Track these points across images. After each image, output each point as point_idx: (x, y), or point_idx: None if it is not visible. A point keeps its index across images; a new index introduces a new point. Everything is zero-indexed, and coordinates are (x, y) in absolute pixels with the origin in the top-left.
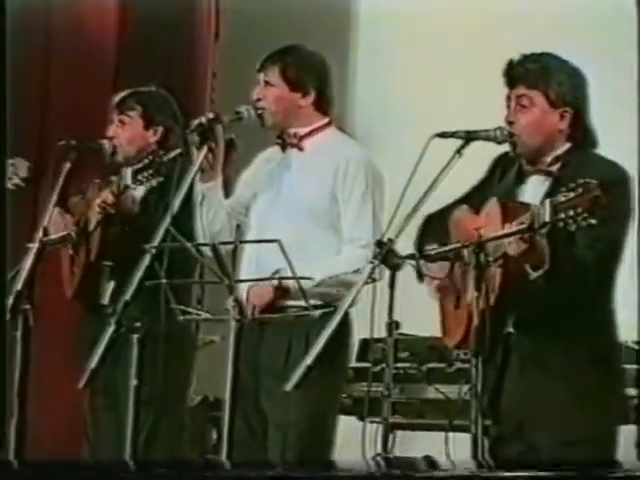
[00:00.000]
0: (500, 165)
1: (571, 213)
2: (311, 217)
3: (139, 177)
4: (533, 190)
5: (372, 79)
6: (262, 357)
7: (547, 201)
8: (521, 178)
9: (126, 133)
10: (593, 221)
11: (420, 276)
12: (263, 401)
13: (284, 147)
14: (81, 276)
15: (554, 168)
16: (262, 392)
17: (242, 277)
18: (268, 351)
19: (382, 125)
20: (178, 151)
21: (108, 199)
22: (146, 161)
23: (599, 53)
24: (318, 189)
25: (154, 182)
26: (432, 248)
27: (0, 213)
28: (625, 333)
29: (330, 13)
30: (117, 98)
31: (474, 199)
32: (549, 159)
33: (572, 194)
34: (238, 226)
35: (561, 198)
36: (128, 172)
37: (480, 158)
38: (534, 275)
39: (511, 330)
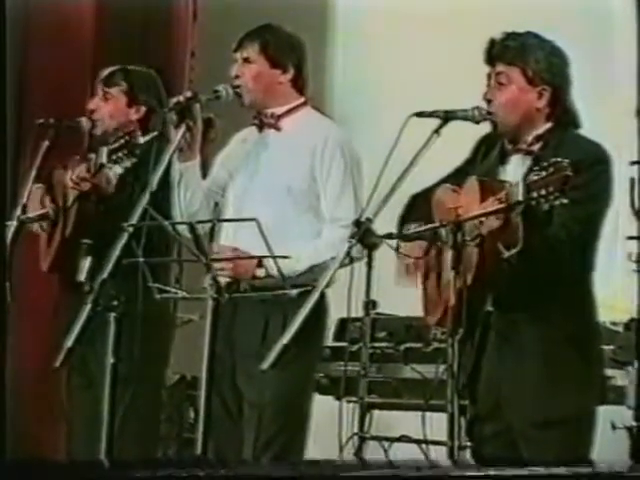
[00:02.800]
0: (483, 145)
1: (543, 192)
2: (289, 197)
3: (114, 157)
4: (515, 169)
5: (350, 59)
6: (239, 336)
7: (521, 180)
8: (503, 158)
9: (108, 107)
10: (564, 200)
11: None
12: (239, 380)
13: (261, 127)
14: (57, 251)
15: (535, 147)
16: (238, 371)
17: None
18: (245, 330)
19: (360, 105)
20: (155, 134)
21: (81, 175)
22: (122, 141)
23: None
24: (296, 169)
25: (128, 163)
26: (411, 227)
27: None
28: (603, 313)
29: None
30: (105, 72)
31: (458, 179)
32: (530, 138)
33: (544, 173)
34: (216, 204)
35: (534, 177)
36: (104, 151)
37: (459, 139)
38: (507, 254)
39: (490, 309)
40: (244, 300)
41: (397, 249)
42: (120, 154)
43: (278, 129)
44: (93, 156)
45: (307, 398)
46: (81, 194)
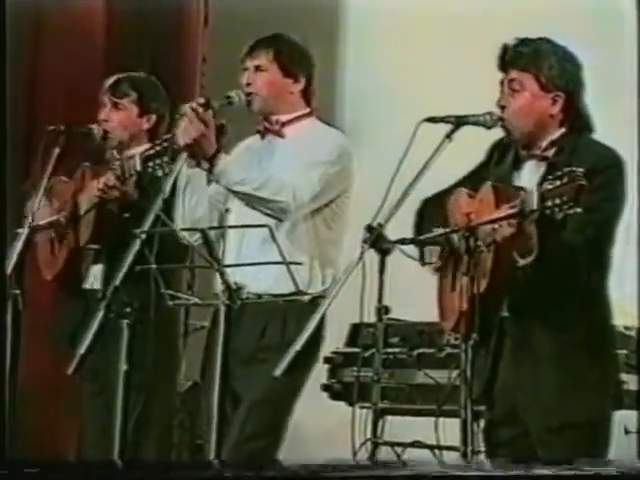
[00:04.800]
0: (497, 150)
1: (557, 201)
2: (295, 204)
3: (150, 164)
4: (529, 175)
5: (362, 64)
6: (236, 339)
7: (535, 189)
8: (517, 163)
9: (120, 118)
10: (578, 209)
11: (422, 259)
12: (234, 384)
13: (264, 134)
14: (66, 260)
15: (549, 153)
16: (234, 375)
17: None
18: (243, 335)
19: (372, 111)
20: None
21: (110, 182)
22: (159, 148)
23: (596, 43)
24: (300, 176)
25: (167, 169)
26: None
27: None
28: (616, 317)
29: (319, 0)
30: (111, 81)
31: (473, 183)
32: (544, 144)
33: (558, 182)
34: (227, 210)
35: (548, 186)
36: (137, 158)
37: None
38: (522, 262)
39: (505, 314)
40: (246, 306)
41: (422, 258)
42: (159, 161)
43: (282, 136)
44: (119, 163)
45: (292, 406)
46: (101, 201)
